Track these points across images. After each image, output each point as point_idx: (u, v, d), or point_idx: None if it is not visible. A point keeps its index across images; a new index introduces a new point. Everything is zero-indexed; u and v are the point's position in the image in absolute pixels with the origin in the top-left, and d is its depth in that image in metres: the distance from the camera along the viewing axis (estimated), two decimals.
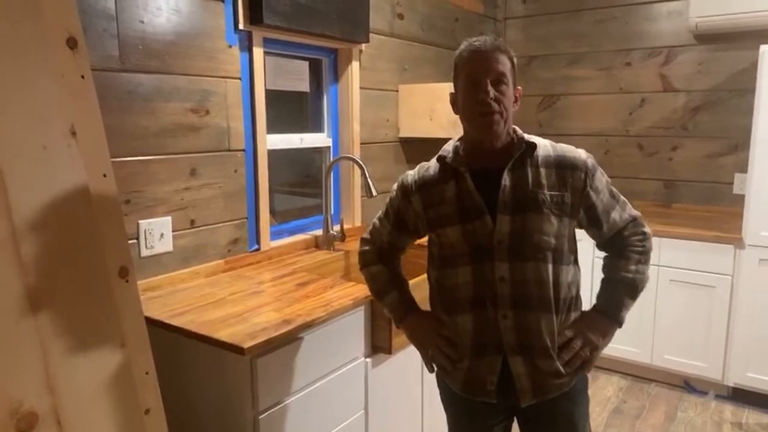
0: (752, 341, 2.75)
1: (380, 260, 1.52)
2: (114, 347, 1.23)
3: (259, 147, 2.21)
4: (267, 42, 2.23)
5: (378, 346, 1.90)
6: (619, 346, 3.03)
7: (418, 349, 1.47)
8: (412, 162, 3.03)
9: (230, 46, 2.07)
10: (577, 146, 1.37)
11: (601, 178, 1.35)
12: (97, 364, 1.19)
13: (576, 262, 1.39)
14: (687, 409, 2.82)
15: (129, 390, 1.25)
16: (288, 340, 1.58)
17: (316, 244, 2.52)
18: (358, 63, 2.66)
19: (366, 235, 1.57)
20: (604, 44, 3.52)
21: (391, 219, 1.48)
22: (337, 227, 2.56)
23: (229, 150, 2.12)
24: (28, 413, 1.07)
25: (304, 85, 2.59)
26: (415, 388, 2.14)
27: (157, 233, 1.90)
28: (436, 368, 1.46)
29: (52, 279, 1.13)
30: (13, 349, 1.07)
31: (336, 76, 2.67)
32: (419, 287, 1.58)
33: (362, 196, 2.74)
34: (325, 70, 2.64)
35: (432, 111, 2.86)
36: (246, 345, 1.44)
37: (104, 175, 1.22)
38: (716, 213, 3.22)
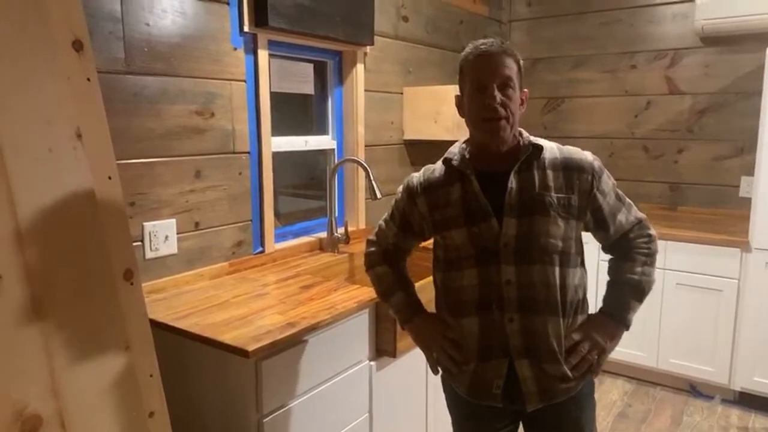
0: (759, 345, 2.73)
1: (386, 261, 1.51)
2: (118, 350, 1.22)
3: (263, 149, 2.21)
4: (272, 44, 2.23)
5: (382, 350, 1.89)
6: (625, 349, 3.01)
7: (423, 351, 1.46)
8: (416, 164, 3.03)
9: (235, 49, 2.08)
10: (582, 149, 1.36)
11: (608, 181, 1.34)
12: (102, 366, 1.19)
13: (583, 264, 1.38)
14: (693, 414, 2.80)
15: (133, 393, 1.25)
16: (292, 343, 1.58)
17: (321, 247, 2.52)
18: (362, 65, 2.66)
19: (372, 237, 1.57)
20: (609, 47, 3.51)
21: (396, 221, 1.48)
22: (341, 230, 2.56)
23: (234, 152, 2.12)
24: (33, 416, 1.07)
25: (308, 88, 2.59)
26: (419, 392, 2.13)
27: (162, 235, 1.90)
28: (441, 371, 1.46)
29: (56, 281, 1.13)
30: (17, 351, 1.07)
31: (341, 79, 2.67)
32: (425, 289, 1.57)
33: (367, 199, 2.73)
34: (330, 72, 2.64)
35: (436, 113, 2.86)
36: (250, 348, 1.43)
37: (109, 178, 1.22)
38: (722, 216, 3.20)
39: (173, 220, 1.93)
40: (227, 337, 1.50)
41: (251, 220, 2.22)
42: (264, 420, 1.52)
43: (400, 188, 1.47)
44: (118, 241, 1.23)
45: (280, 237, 2.41)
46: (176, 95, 1.90)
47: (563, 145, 1.36)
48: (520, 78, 1.29)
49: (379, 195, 2.32)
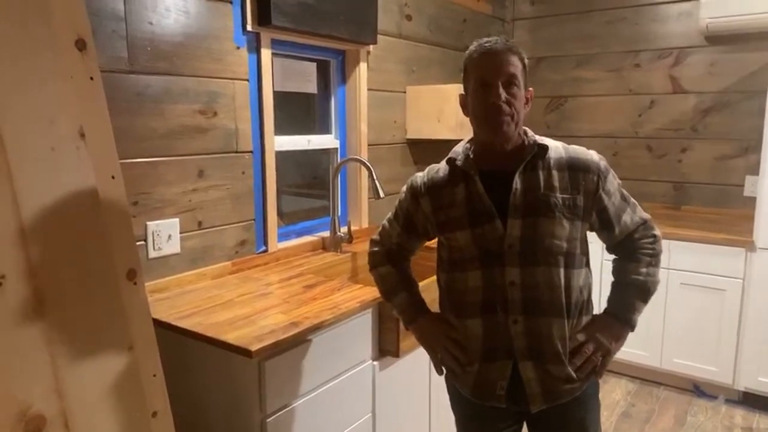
0: (763, 345, 2.71)
1: (389, 261, 1.51)
2: (121, 350, 1.22)
3: (266, 148, 2.21)
4: (275, 43, 2.22)
5: (386, 349, 1.89)
6: (628, 349, 3.00)
7: (427, 351, 1.46)
8: (419, 163, 3.02)
9: (238, 48, 2.07)
10: (587, 148, 1.35)
11: (613, 181, 1.33)
12: (105, 366, 1.19)
13: (587, 265, 1.37)
14: (697, 414, 2.79)
15: (136, 392, 1.24)
16: (295, 343, 1.57)
17: (324, 246, 2.51)
18: (365, 64, 2.65)
19: (375, 237, 1.56)
20: (613, 45, 3.50)
21: (400, 221, 1.47)
22: (344, 229, 2.55)
23: (237, 151, 2.12)
24: (36, 416, 1.07)
25: (311, 87, 2.59)
26: (422, 392, 2.13)
27: (165, 235, 1.90)
28: (445, 371, 1.45)
29: (60, 281, 1.13)
30: (20, 351, 1.07)
31: (344, 78, 2.66)
32: (428, 289, 1.57)
33: (370, 198, 2.73)
34: (333, 71, 2.64)
35: (440, 112, 2.85)
36: (254, 348, 1.43)
37: (113, 177, 1.22)
38: (726, 216, 3.19)
39: (176, 220, 1.93)
40: (230, 337, 1.50)
41: (254, 220, 2.21)
42: (267, 420, 1.52)
43: (404, 188, 1.46)
44: (121, 240, 1.23)
45: (283, 236, 2.41)
46: (179, 94, 1.90)
47: (567, 144, 1.35)
48: (524, 76, 1.28)
49: (382, 194, 2.31)
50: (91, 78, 1.19)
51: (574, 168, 1.29)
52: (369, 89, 2.69)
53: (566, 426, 1.37)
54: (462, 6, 3.33)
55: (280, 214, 2.42)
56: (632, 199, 1.38)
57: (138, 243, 1.79)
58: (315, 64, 2.57)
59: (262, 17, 2.08)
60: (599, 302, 1.38)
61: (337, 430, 1.75)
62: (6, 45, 1.06)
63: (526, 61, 1.30)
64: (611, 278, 1.41)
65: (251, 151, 2.17)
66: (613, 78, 3.52)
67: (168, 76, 1.86)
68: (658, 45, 3.35)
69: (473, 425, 1.47)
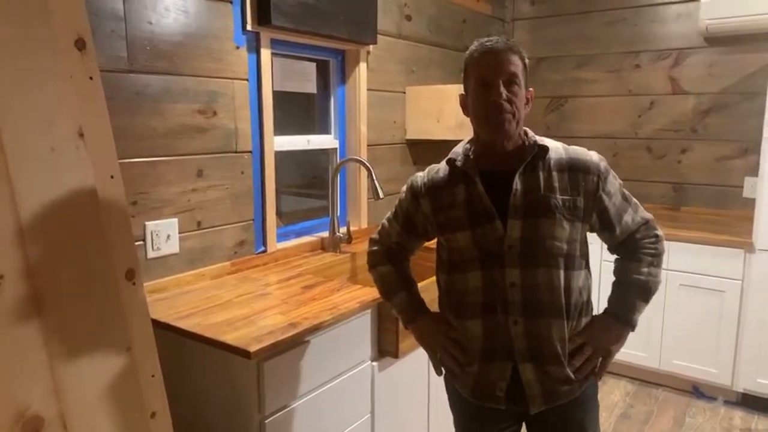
0: (762, 346, 2.72)
1: (389, 261, 1.50)
2: (120, 350, 1.22)
3: (266, 148, 2.20)
4: (274, 43, 2.22)
5: (385, 350, 1.89)
6: (627, 350, 3.00)
7: (426, 351, 1.46)
8: (419, 164, 3.02)
9: (238, 47, 2.07)
10: (587, 149, 1.35)
11: (614, 182, 1.33)
12: (103, 367, 1.19)
13: (587, 266, 1.37)
14: (696, 415, 2.79)
15: (135, 393, 1.24)
16: (295, 344, 1.57)
17: (323, 246, 2.51)
18: (365, 64, 2.65)
19: (375, 236, 1.56)
20: (613, 46, 3.50)
21: (400, 220, 1.47)
22: (343, 229, 2.55)
23: (236, 151, 2.11)
24: (34, 417, 1.07)
25: (311, 87, 2.58)
26: (421, 392, 2.12)
27: (164, 235, 1.89)
28: (444, 371, 1.45)
29: (58, 281, 1.12)
30: (19, 351, 1.06)
31: (343, 78, 2.66)
32: (428, 290, 1.56)
33: (369, 198, 2.73)
34: (333, 71, 2.63)
35: (439, 113, 2.85)
36: (252, 348, 1.43)
37: (112, 177, 1.22)
38: (726, 217, 3.19)
39: (175, 220, 1.93)
40: (229, 338, 1.50)
41: (253, 220, 2.21)
42: (266, 421, 1.52)
43: (404, 188, 1.46)
44: (120, 240, 1.23)
45: (282, 236, 2.41)
46: (179, 94, 1.90)
47: (567, 145, 1.35)
48: (525, 76, 1.28)
49: (381, 195, 2.31)
50: (91, 78, 1.18)
51: (574, 169, 1.29)
52: (369, 89, 2.69)
53: (565, 427, 1.37)
54: (462, 6, 3.33)
55: (279, 214, 2.42)
56: (634, 200, 1.37)
57: (137, 243, 1.79)
58: (314, 64, 2.57)
59: (262, 17, 2.08)
60: (598, 303, 1.37)
61: (336, 430, 1.75)
62: (6, 44, 1.06)
63: (527, 61, 1.30)
64: (612, 278, 1.41)
65: (250, 151, 2.16)
66: (613, 79, 3.52)
67: (167, 75, 1.86)
68: (658, 46, 3.35)
69: (472, 426, 1.47)
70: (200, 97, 1.96)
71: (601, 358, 1.34)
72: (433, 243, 1.47)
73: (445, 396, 1.52)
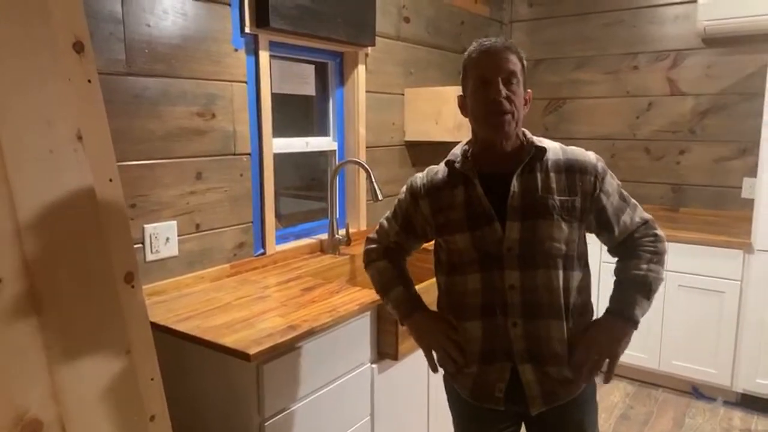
0: (761, 347, 2.72)
1: (387, 258, 1.49)
2: (119, 353, 1.22)
3: (264, 151, 2.20)
4: (273, 45, 2.22)
5: (384, 352, 1.89)
6: (627, 351, 2.97)
7: (422, 348, 1.42)
8: (417, 165, 3.02)
9: (236, 50, 2.07)
10: (584, 149, 1.35)
11: (612, 182, 1.33)
12: (102, 370, 1.19)
13: (586, 266, 1.37)
14: (695, 416, 2.79)
15: (134, 396, 1.24)
16: (294, 346, 1.57)
17: (322, 248, 2.51)
18: (364, 66, 2.65)
19: (372, 235, 1.55)
20: (611, 47, 3.50)
21: (399, 220, 1.46)
22: (342, 231, 2.55)
23: (235, 154, 2.11)
24: (33, 420, 1.07)
25: (309, 89, 2.58)
26: (421, 394, 2.12)
27: (163, 237, 1.89)
28: (442, 371, 1.44)
29: (57, 284, 1.12)
30: (17, 354, 1.06)
31: (342, 80, 2.66)
32: (427, 291, 1.56)
33: (368, 200, 2.73)
34: (331, 73, 2.63)
35: (438, 114, 2.85)
36: (252, 351, 1.43)
37: (110, 180, 1.21)
38: (724, 217, 3.20)
39: (174, 222, 1.93)
40: (228, 341, 1.49)
41: (252, 222, 2.21)
42: (266, 423, 1.51)
43: (404, 188, 1.46)
44: (119, 243, 1.22)
45: (281, 239, 2.40)
46: (177, 97, 1.90)
47: (566, 146, 1.35)
48: (524, 76, 1.28)
49: (380, 196, 2.31)
50: (89, 80, 1.18)
51: (572, 169, 1.29)
52: (367, 91, 2.69)
53: (564, 428, 1.37)
54: (460, 8, 3.34)
55: (278, 216, 2.41)
56: (633, 200, 1.37)
57: (135, 246, 1.79)
58: (313, 66, 2.57)
59: (260, 19, 2.08)
60: (597, 305, 1.37)
61: None
62: (5, 45, 1.06)
63: (525, 62, 1.30)
64: (613, 280, 1.40)
65: (249, 154, 2.16)
66: (611, 80, 3.53)
67: (166, 78, 1.86)
68: (656, 47, 3.36)
69: (471, 426, 1.47)
70: (199, 99, 1.96)
71: (607, 361, 1.31)
72: (431, 245, 1.47)
73: (445, 398, 1.52)
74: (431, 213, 1.37)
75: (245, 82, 2.11)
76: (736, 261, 2.74)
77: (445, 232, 1.34)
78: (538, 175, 1.28)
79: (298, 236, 2.53)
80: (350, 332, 1.76)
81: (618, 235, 1.34)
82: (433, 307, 1.45)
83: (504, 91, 1.23)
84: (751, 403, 2.82)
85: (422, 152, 3.06)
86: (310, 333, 1.59)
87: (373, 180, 2.31)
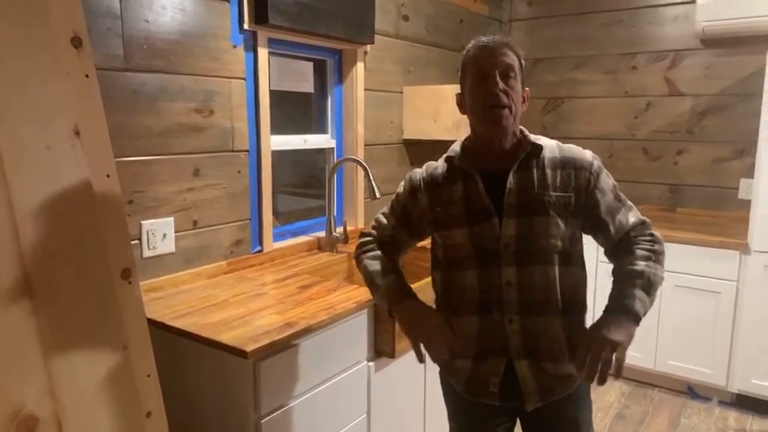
0: (757, 348, 2.73)
1: (381, 249, 1.47)
2: (116, 349, 1.21)
3: (262, 148, 2.20)
4: (272, 42, 2.22)
5: (381, 350, 1.89)
6: None
7: (411, 336, 1.32)
8: (416, 164, 3.01)
9: (235, 47, 2.06)
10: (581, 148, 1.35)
11: (607, 180, 1.33)
12: (99, 366, 1.18)
13: (582, 262, 1.37)
14: (691, 416, 2.80)
15: (130, 393, 1.23)
16: (291, 344, 1.57)
17: (319, 246, 2.51)
18: (362, 64, 2.65)
19: (367, 230, 1.54)
20: (610, 47, 3.51)
21: (396, 214, 1.46)
22: (340, 229, 2.55)
23: (233, 151, 2.11)
24: (29, 416, 1.06)
25: (308, 86, 2.58)
26: (418, 393, 2.12)
27: (160, 234, 1.89)
28: (434, 366, 1.43)
29: (54, 280, 1.12)
30: (13, 350, 1.06)
31: (340, 77, 2.65)
32: (424, 290, 1.56)
33: (366, 198, 2.73)
34: (330, 71, 2.63)
35: (436, 113, 2.85)
36: (249, 348, 1.43)
37: (108, 176, 1.21)
38: (721, 218, 3.20)
39: (171, 219, 1.92)
40: (225, 337, 1.49)
41: (250, 219, 2.20)
42: (262, 420, 1.51)
43: (402, 183, 1.46)
44: (116, 239, 1.22)
45: (278, 236, 2.40)
46: (175, 93, 1.89)
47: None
48: (521, 73, 1.29)
49: (378, 194, 2.31)
50: (87, 76, 1.18)
51: (568, 166, 1.30)
52: (366, 89, 2.69)
53: (559, 424, 1.38)
54: (459, 7, 3.33)
55: (276, 213, 2.41)
56: (629, 202, 1.37)
57: (133, 242, 1.78)
58: (312, 63, 2.57)
59: (259, 16, 2.08)
60: (593, 305, 1.37)
61: (332, 430, 1.75)
62: (5, 46, 1.05)
63: (523, 60, 1.30)
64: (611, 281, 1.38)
65: (247, 151, 2.16)
66: (610, 80, 3.53)
67: (164, 74, 1.85)
68: (654, 47, 3.36)
69: (466, 421, 1.47)
70: (197, 96, 1.96)
71: (614, 356, 1.20)
72: (427, 242, 1.47)
73: (441, 396, 1.53)
74: (430, 207, 1.37)
75: (244, 79, 2.11)
76: (732, 262, 2.75)
77: (443, 226, 1.34)
78: (535, 171, 1.29)
79: (295, 234, 2.53)
80: (347, 330, 1.76)
81: (614, 233, 1.33)
82: (431, 306, 1.45)
83: (501, 84, 1.23)
84: (747, 403, 2.83)
85: (420, 150, 3.06)
86: (307, 330, 1.59)
87: (371, 178, 2.31)
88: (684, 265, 2.86)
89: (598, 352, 1.18)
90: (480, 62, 1.26)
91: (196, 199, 2.00)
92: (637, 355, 3.03)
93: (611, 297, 1.31)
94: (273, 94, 2.26)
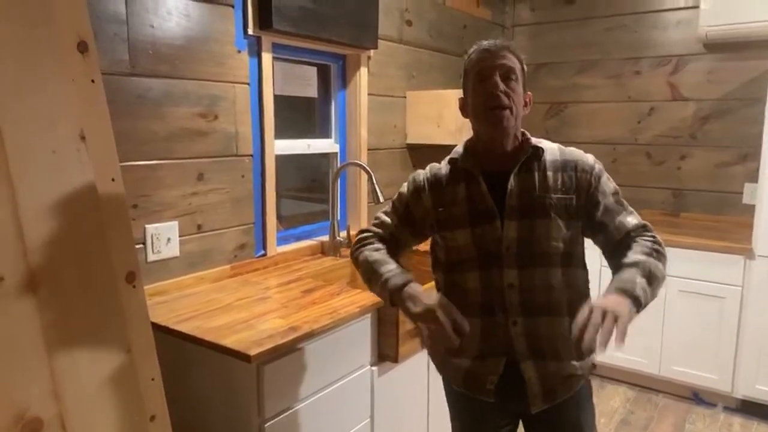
0: (762, 353, 2.71)
1: (381, 243, 1.45)
2: (120, 353, 1.22)
3: (266, 152, 2.21)
4: (276, 47, 2.23)
5: (384, 354, 1.89)
6: (627, 356, 3.01)
7: (418, 319, 1.25)
8: (419, 168, 3.01)
9: (239, 51, 2.07)
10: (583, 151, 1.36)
11: (608, 183, 1.33)
12: (103, 369, 1.19)
13: (584, 264, 1.37)
14: (695, 421, 2.79)
15: (134, 396, 1.24)
16: (294, 348, 1.57)
17: (323, 250, 2.51)
18: (366, 69, 2.66)
19: (367, 228, 1.53)
20: (613, 52, 3.51)
21: (399, 213, 1.46)
22: (343, 233, 2.55)
23: (237, 155, 2.12)
24: (33, 419, 1.07)
25: (312, 91, 2.59)
26: (421, 397, 2.12)
27: (164, 238, 1.89)
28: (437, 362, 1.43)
29: (58, 283, 1.12)
30: (18, 353, 1.06)
31: (344, 82, 2.66)
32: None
33: (369, 203, 2.73)
34: (334, 75, 2.64)
35: (439, 117, 2.86)
36: (252, 352, 1.43)
37: (113, 180, 1.22)
38: (725, 223, 3.19)
39: (175, 223, 1.93)
40: (229, 341, 1.50)
41: (253, 223, 2.21)
42: (266, 425, 1.51)
43: (404, 184, 1.47)
44: (121, 243, 1.22)
45: (282, 240, 2.41)
46: (180, 97, 1.90)
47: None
48: (523, 76, 1.30)
49: (381, 199, 2.31)
50: (93, 81, 1.18)
51: (569, 168, 1.30)
52: (369, 94, 2.70)
53: (563, 426, 1.38)
54: (462, 12, 3.34)
55: (280, 218, 2.42)
56: (630, 207, 1.36)
57: (137, 246, 1.79)
58: (315, 68, 2.58)
59: (264, 21, 2.09)
60: None
61: None
62: (9, 46, 1.06)
63: (525, 64, 1.31)
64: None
65: (251, 155, 2.17)
66: (613, 85, 3.53)
67: (169, 79, 1.86)
68: (658, 52, 3.36)
69: (466, 419, 1.47)
70: (201, 100, 1.97)
71: (616, 321, 1.09)
72: (427, 245, 1.46)
73: (444, 401, 1.52)
74: (433, 206, 1.38)
75: (248, 84, 2.12)
76: (736, 266, 2.74)
77: (445, 227, 1.35)
78: (536, 174, 1.29)
79: (299, 238, 2.53)
80: (351, 334, 1.77)
81: (614, 233, 1.31)
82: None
83: (502, 86, 1.24)
84: (751, 409, 2.81)
85: (423, 155, 3.07)
86: (311, 335, 1.59)
87: (375, 182, 2.31)
88: (688, 270, 2.85)
89: (596, 318, 1.09)
90: (481, 65, 1.27)
91: (200, 204, 2.00)
92: (641, 360, 3.02)
93: (610, 283, 1.23)
94: (277, 98, 2.27)
